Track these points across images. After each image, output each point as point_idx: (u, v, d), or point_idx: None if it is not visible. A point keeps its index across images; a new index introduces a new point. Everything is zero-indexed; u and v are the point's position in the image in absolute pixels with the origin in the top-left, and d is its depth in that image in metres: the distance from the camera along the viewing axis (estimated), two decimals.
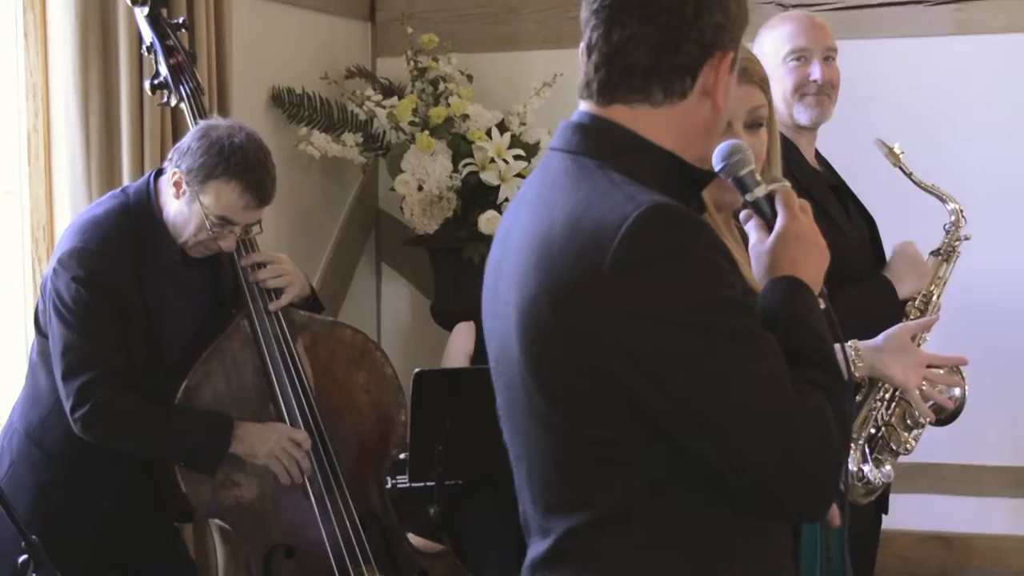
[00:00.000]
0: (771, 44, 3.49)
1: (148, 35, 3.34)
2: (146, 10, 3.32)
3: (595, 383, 1.72)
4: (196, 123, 3.24)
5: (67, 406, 3.04)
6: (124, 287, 3.07)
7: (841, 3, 4.79)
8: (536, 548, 1.87)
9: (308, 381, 3.27)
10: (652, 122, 1.81)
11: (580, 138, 1.83)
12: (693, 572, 1.78)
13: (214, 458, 3.14)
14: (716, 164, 1.94)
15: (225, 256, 3.24)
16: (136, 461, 3.19)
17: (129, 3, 3.37)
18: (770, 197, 1.92)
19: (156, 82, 3.34)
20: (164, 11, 3.36)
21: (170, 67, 3.31)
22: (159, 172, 3.18)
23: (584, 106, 1.85)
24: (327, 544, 3.21)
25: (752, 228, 1.93)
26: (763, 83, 2.24)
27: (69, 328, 3.04)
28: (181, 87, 3.30)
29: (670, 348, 1.68)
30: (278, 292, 3.29)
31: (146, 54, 3.37)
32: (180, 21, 3.38)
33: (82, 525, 3.14)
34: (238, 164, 3.05)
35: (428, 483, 3.79)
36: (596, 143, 1.81)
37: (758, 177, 1.94)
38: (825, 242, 1.92)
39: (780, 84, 3.45)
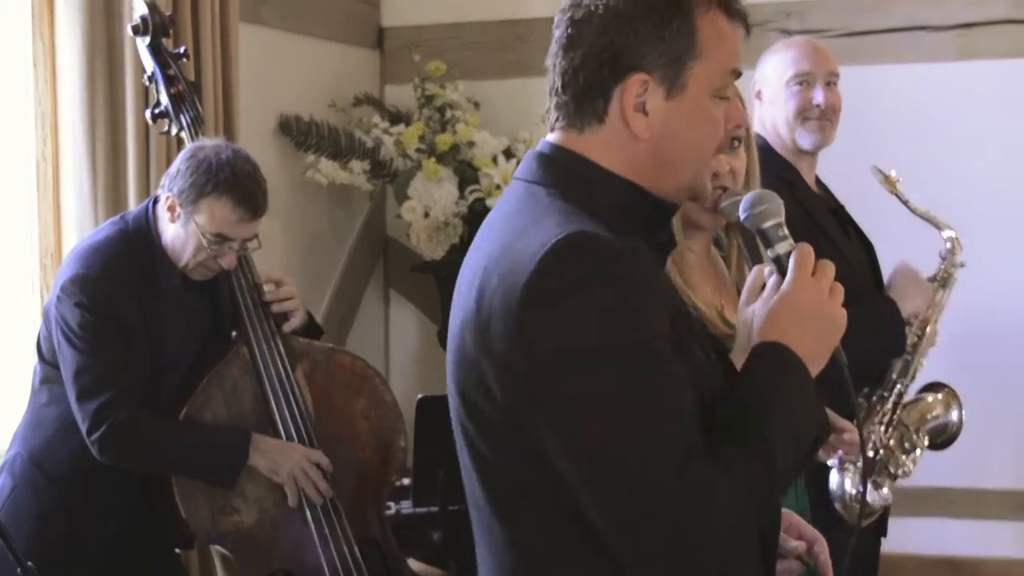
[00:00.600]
0: (774, 68, 3.54)
1: (149, 65, 3.37)
2: (147, 40, 3.34)
3: (507, 414, 1.67)
4: None
5: (83, 428, 3.05)
6: (126, 312, 3.10)
7: (844, 29, 4.80)
8: None
9: (307, 407, 3.28)
10: (590, 149, 1.75)
11: (537, 167, 1.78)
12: None
13: (233, 471, 3.15)
14: (741, 213, 1.88)
15: (223, 279, 3.26)
16: (138, 486, 3.21)
17: (131, 33, 3.39)
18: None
19: (157, 111, 3.37)
20: (165, 41, 3.38)
21: (171, 96, 3.33)
22: (157, 199, 3.20)
23: (548, 134, 1.82)
24: (326, 570, 3.21)
25: (771, 284, 1.82)
26: (739, 102, 2.22)
27: (79, 352, 3.06)
28: (182, 116, 3.33)
29: (558, 388, 1.61)
30: (284, 316, 3.31)
31: (147, 83, 3.39)
32: (182, 51, 3.41)
33: (84, 550, 3.15)
34: (227, 179, 3.08)
35: (431, 508, 3.79)
36: (549, 172, 1.76)
37: (783, 231, 1.84)
38: (838, 317, 1.77)
39: (783, 108, 3.49)
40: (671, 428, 1.60)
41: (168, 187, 3.13)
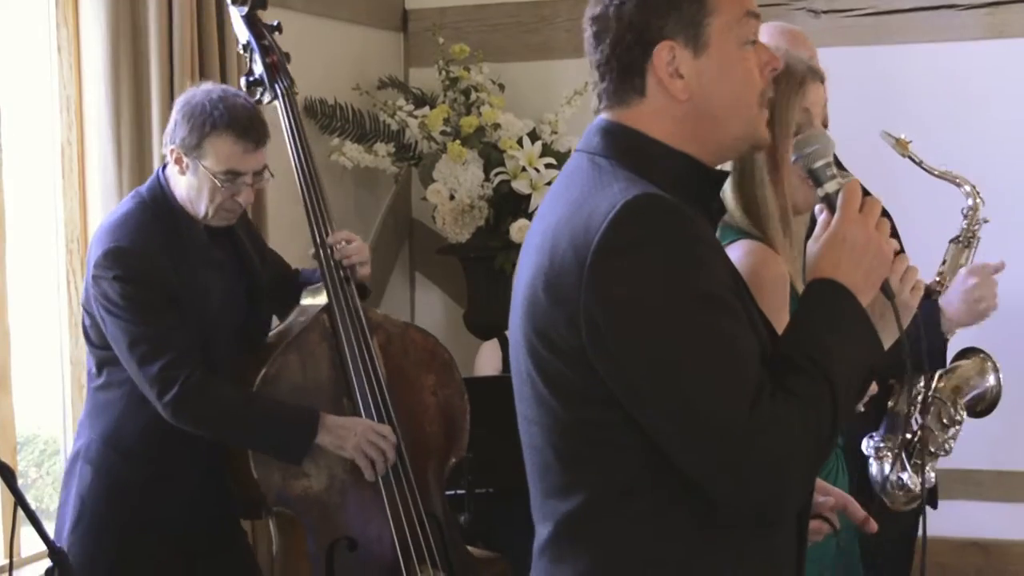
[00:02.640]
0: None
1: (244, 35, 3.44)
2: (245, 10, 3.40)
3: (577, 362, 1.79)
4: (289, 121, 3.36)
5: (153, 395, 3.06)
6: (164, 276, 3.10)
7: (872, 8, 4.77)
8: (540, 534, 1.92)
9: (383, 378, 3.29)
10: (640, 122, 1.87)
11: (599, 139, 1.90)
12: (681, 560, 1.82)
13: (302, 445, 3.15)
14: (793, 154, 1.99)
15: (241, 231, 3.30)
16: (208, 456, 3.21)
17: (229, 1, 3.43)
18: None
19: (252, 79, 3.43)
20: (260, 12, 3.44)
21: (266, 66, 3.39)
22: (165, 164, 3.21)
23: (601, 115, 1.94)
24: (394, 539, 3.22)
25: (821, 221, 1.92)
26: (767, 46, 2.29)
27: (129, 322, 3.07)
28: (276, 85, 3.40)
29: (629, 334, 1.74)
30: (353, 270, 3.35)
31: (242, 52, 3.46)
32: (276, 24, 3.46)
33: (159, 521, 3.17)
34: (222, 115, 3.09)
35: (459, 491, 3.79)
36: (610, 143, 1.88)
37: (832, 171, 1.93)
38: (888, 249, 1.87)
39: None
40: (741, 368, 1.73)
41: (170, 141, 3.15)
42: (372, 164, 4.94)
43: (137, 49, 3.77)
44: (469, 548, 3.48)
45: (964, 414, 3.43)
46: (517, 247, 4.79)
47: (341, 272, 3.33)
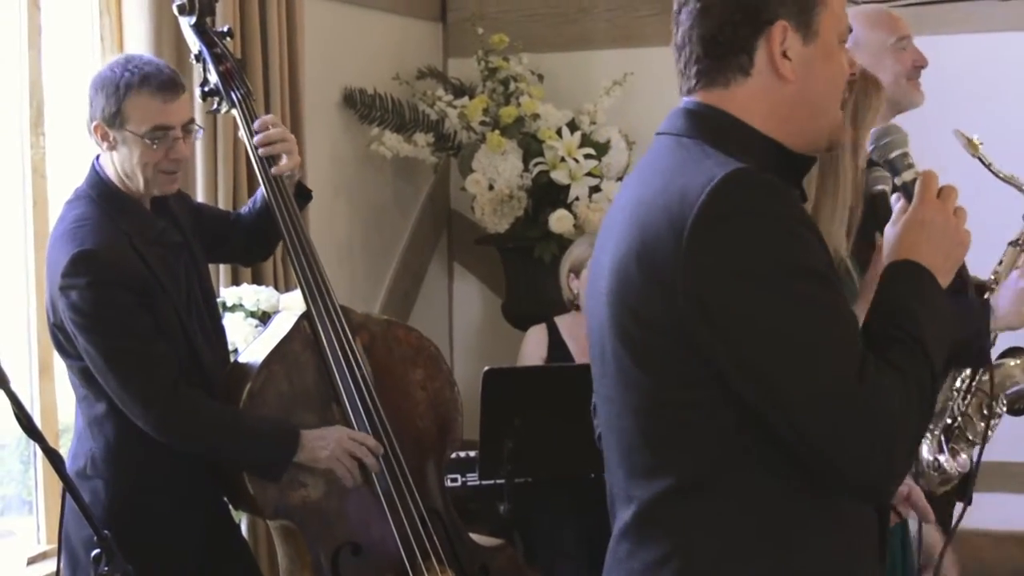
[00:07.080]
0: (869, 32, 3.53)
1: (195, 45, 3.31)
2: (193, 19, 3.29)
3: (673, 338, 1.77)
4: (249, 129, 3.24)
5: (135, 413, 2.95)
6: (138, 273, 2.98)
7: None
8: (621, 517, 1.91)
9: (369, 379, 3.26)
10: (734, 104, 1.87)
11: (684, 121, 1.90)
12: (769, 543, 1.81)
13: (282, 464, 3.09)
14: (868, 146, 2.05)
15: (173, 202, 3.19)
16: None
17: (176, 12, 3.35)
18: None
19: (207, 89, 3.30)
20: (209, 19, 3.33)
21: (220, 74, 3.27)
22: (96, 158, 3.10)
23: (685, 97, 1.93)
24: (397, 540, 3.20)
25: (898, 209, 1.96)
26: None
27: (103, 336, 2.93)
28: (232, 93, 3.27)
29: (738, 304, 1.73)
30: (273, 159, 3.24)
31: (194, 63, 3.35)
32: (226, 29, 3.37)
33: (152, 519, 3.09)
34: (132, 74, 2.98)
35: (498, 481, 3.81)
36: (697, 125, 1.88)
37: (909, 160, 2.00)
38: (964, 234, 1.91)
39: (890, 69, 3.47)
40: (848, 339, 1.74)
41: (90, 120, 3.02)
42: (411, 154, 4.96)
43: (180, 38, 3.76)
44: (475, 537, 3.45)
45: (1004, 409, 3.45)
46: (555, 237, 4.82)
47: (315, 267, 3.24)
